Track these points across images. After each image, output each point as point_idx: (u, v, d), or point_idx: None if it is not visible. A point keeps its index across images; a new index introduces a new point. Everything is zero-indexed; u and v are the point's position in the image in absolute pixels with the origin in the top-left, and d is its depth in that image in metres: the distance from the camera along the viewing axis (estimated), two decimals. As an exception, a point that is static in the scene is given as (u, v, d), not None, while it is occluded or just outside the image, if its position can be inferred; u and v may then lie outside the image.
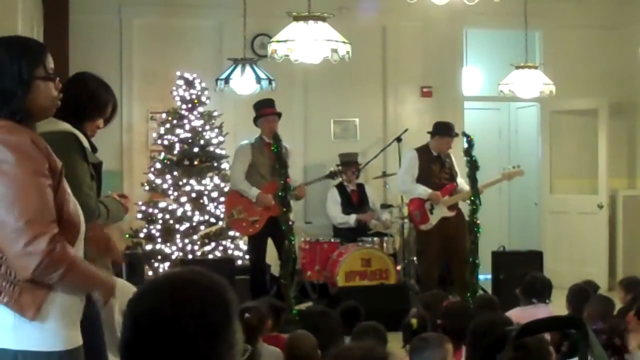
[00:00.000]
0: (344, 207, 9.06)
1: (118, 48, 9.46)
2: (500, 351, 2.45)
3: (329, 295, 8.22)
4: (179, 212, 8.63)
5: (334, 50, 6.42)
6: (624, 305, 5.71)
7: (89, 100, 3.58)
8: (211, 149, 8.83)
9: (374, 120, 10.09)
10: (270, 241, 8.09)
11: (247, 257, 8.51)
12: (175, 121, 8.79)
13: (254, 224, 8.06)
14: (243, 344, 1.82)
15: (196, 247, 8.62)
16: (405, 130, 9.46)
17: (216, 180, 8.82)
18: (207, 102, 8.93)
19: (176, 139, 8.75)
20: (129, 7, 9.47)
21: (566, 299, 5.72)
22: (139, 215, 8.68)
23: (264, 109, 8.11)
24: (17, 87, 2.60)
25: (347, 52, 6.44)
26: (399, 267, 8.72)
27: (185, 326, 1.70)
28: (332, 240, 8.73)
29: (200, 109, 8.86)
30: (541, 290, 5.79)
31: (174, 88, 8.84)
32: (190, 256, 8.43)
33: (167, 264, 8.52)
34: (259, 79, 8.40)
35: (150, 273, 8.34)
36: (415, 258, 8.75)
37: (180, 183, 8.69)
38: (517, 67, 8.85)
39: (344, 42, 6.43)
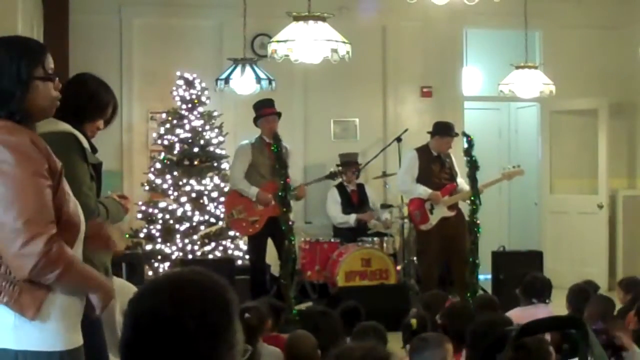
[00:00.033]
0: (344, 207, 9.06)
1: (118, 48, 9.46)
2: (500, 351, 2.45)
3: (329, 295, 8.22)
4: (179, 212, 8.63)
5: (334, 50, 6.42)
6: (624, 306, 5.72)
7: (89, 101, 3.58)
8: (211, 149, 8.83)
9: (374, 120, 10.09)
10: (270, 241, 8.09)
11: (247, 257, 8.51)
12: (175, 121, 8.79)
13: (254, 224, 8.06)
14: (243, 344, 1.82)
15: (196, 247, 8.62)
16: (405, 130, 9.46)
17: (216, 180, 8.82)
18: (207, 102, 8.93)
19: (176, 139, 8.75)
20: (129, 7, 9.47)
21: (566, 299, 5.72)
22: (139, 215, 8.68)
23: (264, 109, 8.11)
24: (16, 87, 2.60)
25: (347, 52, 6.44)
26: (399, 267, 8.72)
27: (185, 326, 1.70)
28: (332, 240, 8.73)
29: (200, 109, 8.86)
30: (541, 290, 5.79)
31: (174, 88, 8.84)
32: (190, 256, 8.43)
33: (167, 264, 8.52)
34: (259, 79, 8.40)
35: (150, 273, 8.34)
36: (415, 258, 8.75)
37: (180, 183, 8.70)
38: (517, 67, 8.85)
39: (344, 42, 6.43)
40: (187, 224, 8.63)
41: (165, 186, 8.71)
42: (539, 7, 9.49)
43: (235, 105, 9.25)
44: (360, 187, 9.26)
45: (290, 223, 7.55)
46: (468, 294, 7.72)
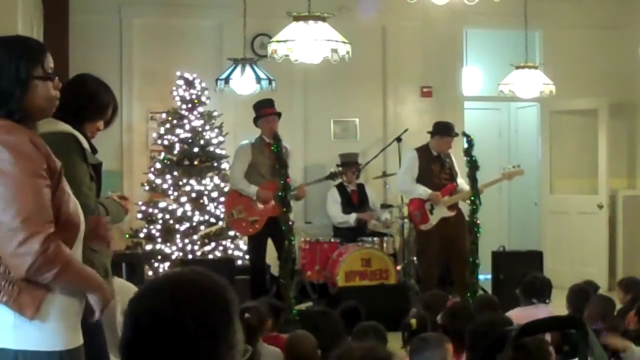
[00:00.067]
0: (344, 207, 9.06)
1: (118, 48, 9.46)
2: (500, 351, 2.45)
3: (329, 295, 8.22)
4: (179, 212, 8.63)
5: (334, 50, 6.42)
6: (623, 306, 5.72)
7: (89, 101, 3.58)
8: (211, 149, 8.84)
9: (374, 120, 10.09)
10: (270, 241, 8.09)
11: (247, 257, 8.51)
12: (175, 121, 8.79)
13: (254, 224, 8.06)
14: (243, 344, 1.82)
15: (196, 247, 8.62)
16: (405, 130, 9.46)
17: (216, 180, 8.82)
18: (207, 102, 8.93)
19: (176, 139, 8.75)
20: (129, 7, 9.47)
21: (566, 299, 5.72)
22: (139, 215, 8.68)
23: (264, 109, 8.11)
24: (15, 86, 2.60)
25: (347, 52, 6.44)
26: (399, 267, 8.72)
27: (185, 326, 1.70)
28: (332, 240, 8.73)
29: (200, 109, 8.86)
30: (541, 290, 5.79)
31: (174, 88, 8.84)
32: (190, 256, 8.43)
33: (167, 264, 8.52)
34: (259, 79, 8.39)
35: (150, 273, 8.34)
36: (415, 258, 8.75)
37: (180, 183, 8.69)
38: (517, 67, 8.85)
39: (344, 42, 6.43)
40: (187, 224, 8.63)
41: (165, 186, 8.71)
42: (539, 7, 9.49)
43: (235, 105, 9.25)
44: (361, 187, 9.26)
45: (290, 223, 7.55)
46: (468, 294, 7.72)
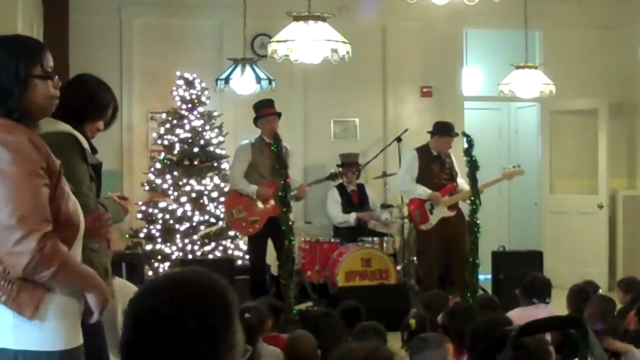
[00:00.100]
0: (344, 207, 9.06)
1: (118, 48, 9.46)
2: (500, 351, 2.45)
3: (329, 295, 8.22)
4: (179, 212, 8.63)
5: (334, 50, 6.42)
6: (624, 306, 5.72)
7: (89, 101, 3.58)
8: (211, 149, 8.83)
9: (374, 120, 10.09)
10: (270, 241, 8.09)
11: (247, 257, 8.51)
12: (175, 121, 8.79)
13: (254, 224, 8.06)
14: (243, 344, 1.81)
15: (196, 247, 8.62)
16: (405, 130, 9.46)
17: (216, 180, 8.82)
18: (207, 102, 8.93)
19: (176, 139, 8.75)
20: (129, 7, 9.47)
21: (566, 299, 5.72)
22: (139, 215, 8.68)
23: (264, 110, 8.11)
24: (14, 85, 2.60)
25: (347, 52, 6.43)
26: (399, 267, 8.72)
27: (185, 326, 1.70)
28: (332, 240, 8.73)
29: (200, 109, 8.86)
30: (541, 290, 5.78)
31: (174, 88, 8.84)
32: (190, 256, 8.43)
33: (167, 264, 8.52)
34: (259, 79, 8.39)
35: (150, 273, 8.34)
36: (415, 258, 8.75)
37: (180, 183, 8.69)
38: (517, 67, 8.85)
39: (344, 42, 6.43)
40: (187, 224, 8.63)
41: (165, 186, 8.71)
42: (539, 7, 9.49)
43: (235, 105, 9.25)
44: (361, 187, 9.26)
45: (290, 223, 7.55)
46: (468, 294, 7.72)
